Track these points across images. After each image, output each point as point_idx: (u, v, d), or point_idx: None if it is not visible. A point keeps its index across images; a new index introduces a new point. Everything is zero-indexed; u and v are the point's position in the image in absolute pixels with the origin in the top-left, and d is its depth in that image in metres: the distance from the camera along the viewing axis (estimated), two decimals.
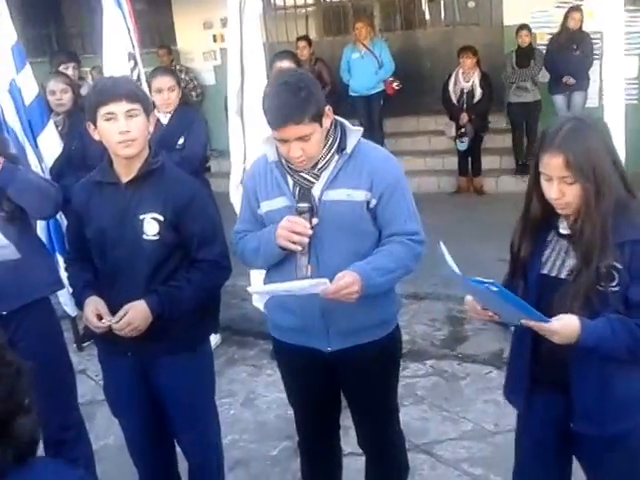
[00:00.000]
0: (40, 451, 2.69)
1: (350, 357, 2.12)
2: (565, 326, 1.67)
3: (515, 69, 6.84)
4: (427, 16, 8.58)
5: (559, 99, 6.79)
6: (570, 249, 1.76)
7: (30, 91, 3.85)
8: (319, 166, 2.02)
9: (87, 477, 1.17)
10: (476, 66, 6.74)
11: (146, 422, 2.37)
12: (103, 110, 2.04)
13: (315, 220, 1.98)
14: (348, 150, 2.03)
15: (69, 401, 2.64)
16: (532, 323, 1.69)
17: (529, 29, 6.79)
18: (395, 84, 7.28)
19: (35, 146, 3.91)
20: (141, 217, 2.12)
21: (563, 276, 1.76)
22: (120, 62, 3.26)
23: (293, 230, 1.95)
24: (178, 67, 8.21)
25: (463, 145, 6.89)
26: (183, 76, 8.14)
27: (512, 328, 1.99)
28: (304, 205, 1.99)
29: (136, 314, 2.10)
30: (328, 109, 1.99)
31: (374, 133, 7.47)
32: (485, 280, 1.69)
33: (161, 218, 2.12)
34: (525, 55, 6.78)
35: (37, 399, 2.51)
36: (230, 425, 3.36)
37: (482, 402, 3.43)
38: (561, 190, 1.68)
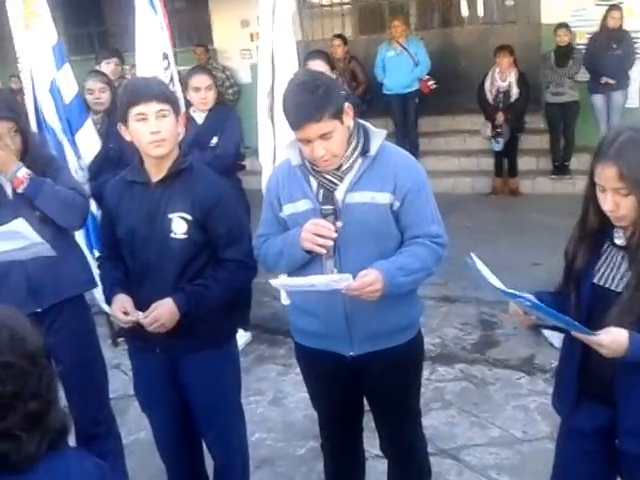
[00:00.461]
0: (72, 444, 2.77)
1: (372, 362, 2.12)
2: (613, 340, 1.63)
3: (553, 68, 6.71)
4: (464, 14, 8.47)
5: (598, 99, 6.66)
6: (625, 261, 1.72)
7: (69, 90, 3.94)
8: (343, 168, 2.02)
9: (104, 467, 1.28)
10: (513, 65, 6.66)
11: (173, 418, 2.40)
12: (134, 110, 2.08)
13: (339, 223, 1.98)
14: (372, 152, 2.03)
15: (101, 397, 2.69)
16: (580, 335, 1.67)
17: (568, 28, 6.67)
18: (431, 83, 7.23)
19: (73, 144, 4.00)
20: (170, 216, 2.16)
21: (617, 289, 1.73)
22: (153, 61, 3.30)
23: (318, 233, 1.95)
24: (215, 65, 8.28)
25: (499, 145, 6.81)
26: (220, 74, 8.20)
27: (554, 340, 1.93)
28: (328, 207, 2.00)
29: (163, 311, 2.14)
30: (348, 106, 2.00)
31: (409, 132, 7.45)
32: (520, 294, 1.68)
33: (189, 217, 2.15)
34: (564, 54, 6.66)
35: (69, 394, 2.58)
36: (257, 423, 3.39)
37: (511, 408, 3.39)
38: (615, 202, 1.65)
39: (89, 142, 3.95)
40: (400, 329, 2.14)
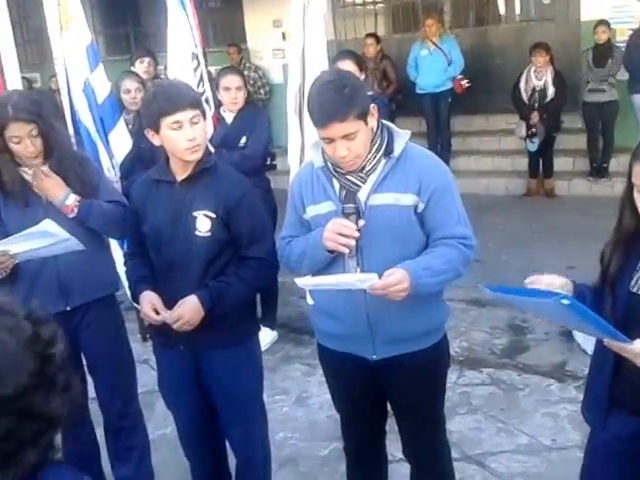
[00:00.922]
0: (100, 437, 2.81)
1: (396, 366, 2.10)
2: None
3: (591, 67, 6.57)
4: (499, 12, 8.35)
5: (638, 99, 6.48)
6: None
7: (103, 89, 4.00)
8: (366, 169, 2.00)
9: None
10: (549, 64, 6.53)
11: (196, 415, 2.43)
12: (169, 119, 2.10)
13: (362, 222, 1.96)
14: (396, 154, 2.01)
15: (129, 391, 2.73)
16: (614, 343, 1.61)
17: (608, 25, 6.50)
18: (464, 82, 7.15)
19: (106, 143, 4.06)
20: (194, 214, 2.18)
21: None
22: (184, 62, 3.33)
23: (340, 232, 1.93)
24: (247, 65, 8.32)
25: (534, 145, 6.68)
26: (252, 74, 8.24)
27: (587, 347, 1.87)
28: (350, 206, 1.98)
29: (187, 308, 2.17)
30: (373, 107, 1.98)
31: (441, 132, 7.39)
32: (557, 292, 1.63)
33: (213, 215, 2.18)
34: (602, 52, 6.51)
35: (98, 388, 2.62)
36: (282, 423, 3.39)
37: (540, 415, 3.33)
38: None
39: (121, 141, 4.01)
40: (424, 333, 2.11)
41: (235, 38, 8.80)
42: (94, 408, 2.76)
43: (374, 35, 7.60)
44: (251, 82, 8.21)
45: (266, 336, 4.21)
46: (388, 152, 2.01)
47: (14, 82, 4.05)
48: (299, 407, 3.58)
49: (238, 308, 2.27)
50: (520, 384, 3.63)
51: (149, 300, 2.25)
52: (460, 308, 4.43)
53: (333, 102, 1.88)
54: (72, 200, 2.40)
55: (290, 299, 4.61)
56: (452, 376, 3.72)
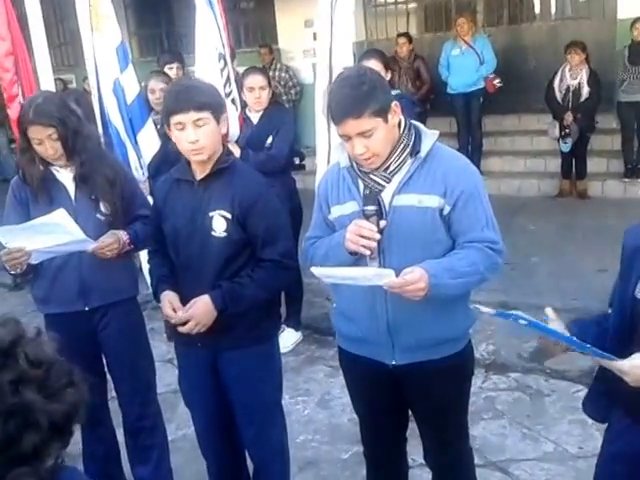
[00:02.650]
0: (120, 437, 2.83)
1: (416, 373, 2.05)
2: (635, 368, 1.52)
3: (627, 66, 6.41)
4: (533, 10, 8.20)
5: None
6: None
7: (132, 90, 4.06)
8: (391, 169, 1.96)
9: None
10: (584, 62, 6.40)
11: (214, 415, 2.43)
12: (174, 120, 2.11)
13: (383, 223, 1.92)
14: (422, 154, 1.95)
15: (148, 391, 2.75)
16: (603, 361, 1.56)
17: None
18: (496, 81, 7.04)
19: (135, 143, 4.12)
20: (211, 214, 2.18)
21: None
22: (211, 63, 3.34)
23: (360, 234, 1.89)
24: (278, 66, 8.34)
25: (567, 146, 6.56)
26: (283, 74, 8.26)
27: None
28: (371, 208, 1.93)
29: (198, 309, 2.17)
30: (395, 105, 1.93)
31: (473, 132, 7.30)
32: (511, 313, 1.61)
33: (229, 215, 2.17)
34: (639, 51, 6.33)
35: (117, 388, 2.65)
36: (304, 424, 3.39)
37: (567, 422, 3.25)
38: None
39: (150, 141, 4.06)
40: (447, 340, 2.05)
41: (267, 39, 8.84)
42: (114, 408, 2.79)
43: (406, 35, 7.54)
44: (282, 83, 8.23)
45: (290, 337, 4.22)
46: (415, 152, 1.96)
47: (47, 83, 4.13)
48: (321, 409, 3.57)
49: (258, 309, 2.26)
50: (547, 390, 3.56)
51: (168, 299, 2.26)
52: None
53: (348, 98, 1.85)
54: (125, 239, 2.49)
55: (315, 300, 4.60)
56: (477, 380, 3.67)
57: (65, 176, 2.48)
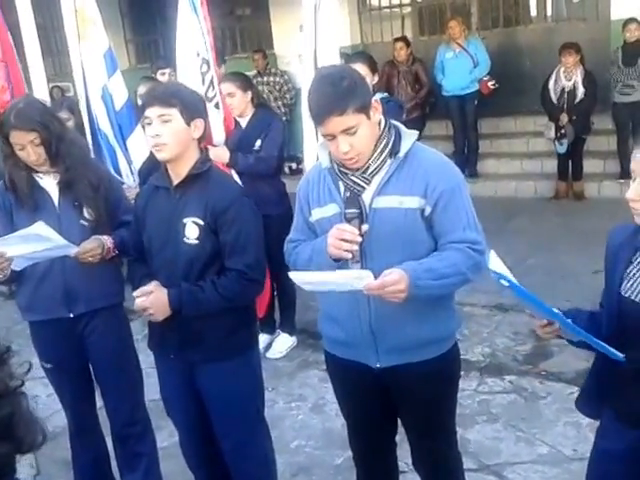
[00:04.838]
0: (109, 445, 2.79)
1: (401, 375, 2.03)
2: None
3: (621, 67, 6.40)
4: (528, 13, 8.21)
5: None
6: None
7: (120, 96, 4.05)
8: (370, 170, 1.92)
9: None
10: (579, 64, 6.39)
11: (193, 425, 2.39)
12: (144, 115, 2.10)
13: (365, 226, 1.88)
14: (401, 154, 1.92)
15: (135, 398, 2.72)
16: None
17: (638, 22, 6.32)
18: (490, 83, 7.05)
19: (125, 149, 4.11)
20: (184, 220, 2.15)
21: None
22: (192, 67, 3.32)
23: (342, 238, 1.85)
24: (273, 70, 8.33)
25: (563, 147, 6.54)
26: (277, 79, 8.25)
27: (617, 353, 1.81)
28: (352, 211, 1.90)
29: (154, 300, 2.16)
30: (375, 101, 1.91)
31: (468, 134, 7.30)
32: (503, 275, 1.59)
33: (201, 222, 2.14)
34: (632, 51, 6.33)
35: (104, 395, 2.62)
36: (297, 430, 3.36)
37: (562, 424, 3.22)
38: (639, 191, 1.55)
39: (139, 147, 4.04)
40: (431, 341, 2.02)
41: (263, 44, 8.84)
42: (103, 416, 2.77)
43: (404, 39, 7.51)
44: (277, 87, 8.23)
45: (285, 342, 4.20)
46: (394, 152, 1.93)
47: (41, 91, 4.12)
48: (315, 414, 3.53)
49: (232, 318, 2.22)
50: (542, 392, 3.53)
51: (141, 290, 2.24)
52: (483, 314, 4.35)
53: (330, 96, 1.81)
54: (109, 245, 2.46)
55: (310, 304, 4.54)
56: (472, 383, 3.65)
57: (49, 182, 2.46)
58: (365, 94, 1.88)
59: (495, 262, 1.67)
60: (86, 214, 2.46)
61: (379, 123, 1.95)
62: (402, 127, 2.00)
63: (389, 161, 1.93)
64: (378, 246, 1.91)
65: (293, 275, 1.88)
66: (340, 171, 1.97)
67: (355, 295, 1.92)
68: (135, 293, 2.21)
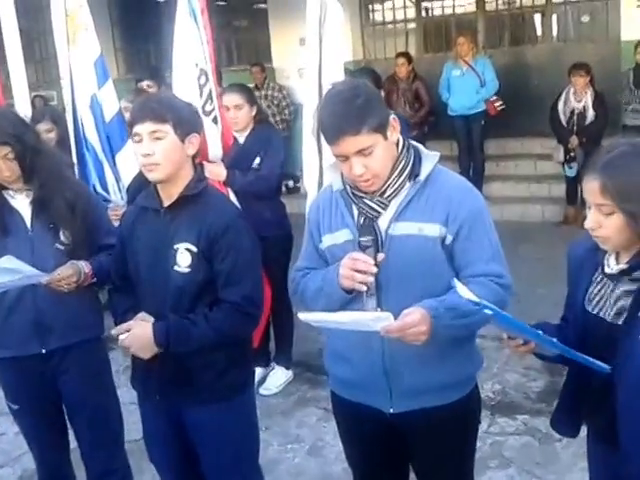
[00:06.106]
0: None
1: (416, 422, 1.87)
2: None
3: (632, 89, 6.27)
4: (535, 32, 8.11)
5: None
6: (616, 289, 1.62)
7: (111, 107, 3.82)
8: (387, 193, 1.79)
9: None
10: (589, 85, 6.23)
11: (180, 473, 2.20)
12: (133, 131, 1.93)
13: (381, 255, 1.74)
14: (422, 177, 1.80)
15: (114, 444, 2.50)
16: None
17: None
18: (498, 104, 6.91)
19: (113, 164, 3.86)
20: (175, 246, 1.99)
21: (608, 318, 1.63)
22: (189, 78, 3.10)
23: (355, 268, 1.71)
24: (271, 85, 8.13)
25: (572, 171, 6.36)
26: (276, 94, 8.06)
27: None
28: (367, 239, 1.76)
29: (135, 338, 1.95)
30: (393, 119, 1.77)
31: (474, 155, 7.17)
32: (479, 301, 1.49)
33: (194, 249, 1.97)
34: None
35: (80, 441, 2.39)
36: (294, 476, 3.13)
37: (580, 470, 2.95)
38: (596, 220, 1.55)
39: (129, 164, 3.79)
40: (450, 386, 1.88)
41: (261, 57, 8.68)
42: (76, 459, 2.52)
43: (406, 54, 7.39)
44: (275, 102, 8.02)
45: (280, 376, 3.93)
46: (414, 175, 1.81)
47: (22, 100, 3.92)
48: (312, 457, 3.28)
49: (226, 355, 2.03)
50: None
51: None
52: (492, 346, 4.09)
53: (344, 114, 1.69)
54: (86, 271, 2.26)
55: (309, 334, 4.28)
56: (483, 424, 3.38)
57: (21, 202, 2.25)
58: (382, 112, 1.75)
59: (462, 289, 1.56)
60: (62, 237, 2.26)
61: (397, 143, 1.82)
62: (422, 148, 1.87)
63: (408, 184, 1.81)
64: (395, 276, 1.77)
65: (303, 316, 1.71)
66: (354, 194, 1.84)
67: (369, 332, 1.74)
68: (113, 331, 2.00)
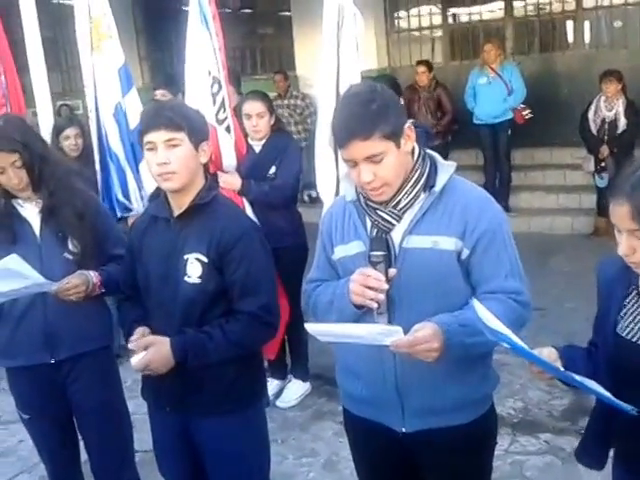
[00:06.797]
0: None
1: (430, 442, 1.80)
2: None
3: None
4: (566, 38, 7.95)
5: None
6: None
7: (135, 115, 3.82)
8: (401, 205, 1.73)
9: None
10: (621, 93, 6.09)
11: None
12: (145, 139, 1.90)
13: (393, 271, 1.68)
14: (437, 188, 1.73)
15: (124, 455, 2.48)
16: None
17: None
18: (525, 113, 6.76)
19: (136, 172, 3.87)
20: (185, 257, 1.95)
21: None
22: (202, 87, 3.08)
23: (366, 284, 1.65)
24: (294, 93, 8.07)
25: (603, 181, 6.20)
26: (299, 102, 8.00)
27: None
28: (378, 254, 1.69)
29: (155, 355, 1.92)
30: (409, 128, 1.70)
31: (500, 165, 7.05)
32: (498, 330, 1.45)
33: (204, 259, 1.93)
34: None
35: (89, 451, 2.38)
36: None
37: None
38: (630, 245, 1.45)
39: None
40: (466, 404, 1.81)
41: (285, 65, 8.65)
42: (87, 471, 2.51)
43: (426, 62, 7.29)
44: (297, 111, 7.95)
45: (297, 389, 3.88)
46: (429, 186, 1.74)
47: (45, 109, 3.94)
48: (328, 472, 3.22)
49: (237, 366, 1.99)
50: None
51: (140, 332, 2.02)
52: (515, 363, 3.99)
53: (356, 118, 1.63)
54: (94, 281, 2.25)
55: (327, 347, 4.18)
56: (504, 442, 3.32)
57: (30, 211, 2.25)
58: (397, 119, 1.68)
59: (483, 312, 1.48)
60: (71, 246, 2.24)
61: (412, 152, 1.76)
62: (438, 157, 1.81)
63: (423, 195, 1.75)
64: (408, 292, 1.71)
65: (309, 327, 1.66)
66: (367, 205, 1.78)
67: (379, 346, 1.68)
68: (131, 346, 1.97)
